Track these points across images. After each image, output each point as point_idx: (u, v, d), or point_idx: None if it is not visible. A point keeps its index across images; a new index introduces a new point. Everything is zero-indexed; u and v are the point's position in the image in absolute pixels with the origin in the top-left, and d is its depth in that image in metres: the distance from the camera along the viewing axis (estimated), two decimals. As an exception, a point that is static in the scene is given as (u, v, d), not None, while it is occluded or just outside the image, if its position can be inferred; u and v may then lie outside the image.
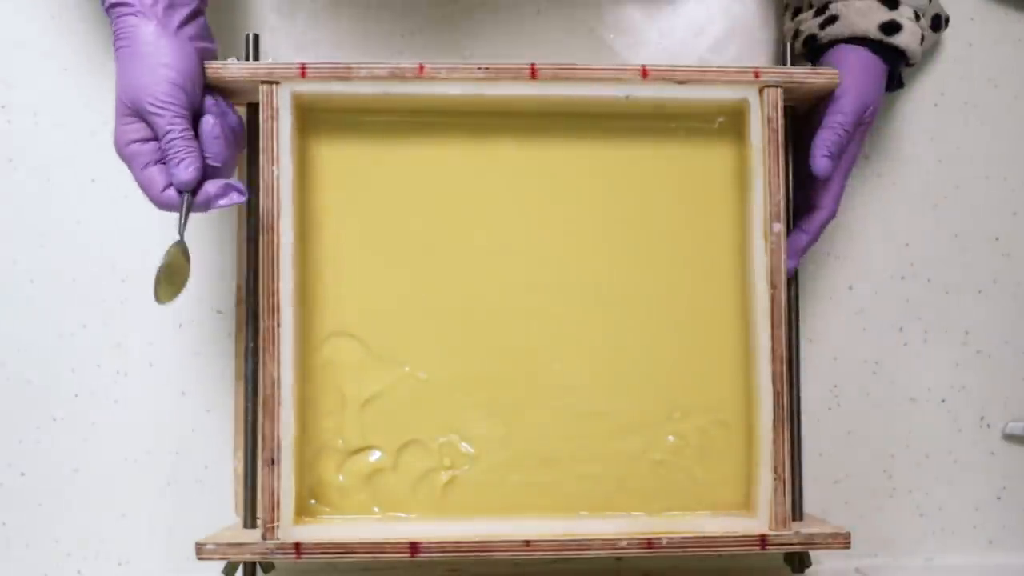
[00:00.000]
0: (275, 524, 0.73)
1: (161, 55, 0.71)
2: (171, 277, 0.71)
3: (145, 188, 0.72)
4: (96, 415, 0.89)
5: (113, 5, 0.71)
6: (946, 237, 0.92)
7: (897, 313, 0.92)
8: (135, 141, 0.72)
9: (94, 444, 0.89)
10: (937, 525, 0.91)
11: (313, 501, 0.76)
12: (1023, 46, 0.93)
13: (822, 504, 0.90)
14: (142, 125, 0.71)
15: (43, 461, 0.88)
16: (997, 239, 0.93)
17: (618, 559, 0.90)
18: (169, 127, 0.71)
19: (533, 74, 0.75)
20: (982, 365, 0.92)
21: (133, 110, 0.71)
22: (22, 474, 0.88)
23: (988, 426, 0.92)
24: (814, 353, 0.91)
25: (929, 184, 0.92)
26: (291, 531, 0.74)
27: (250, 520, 0.77)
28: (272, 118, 0.74)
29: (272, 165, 0.74)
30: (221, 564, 0.76)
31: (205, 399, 0.88)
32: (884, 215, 0.92)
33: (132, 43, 0.71)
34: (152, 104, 0.70)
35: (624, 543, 0.74)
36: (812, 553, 0.91)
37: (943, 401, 0.92)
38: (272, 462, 0.73)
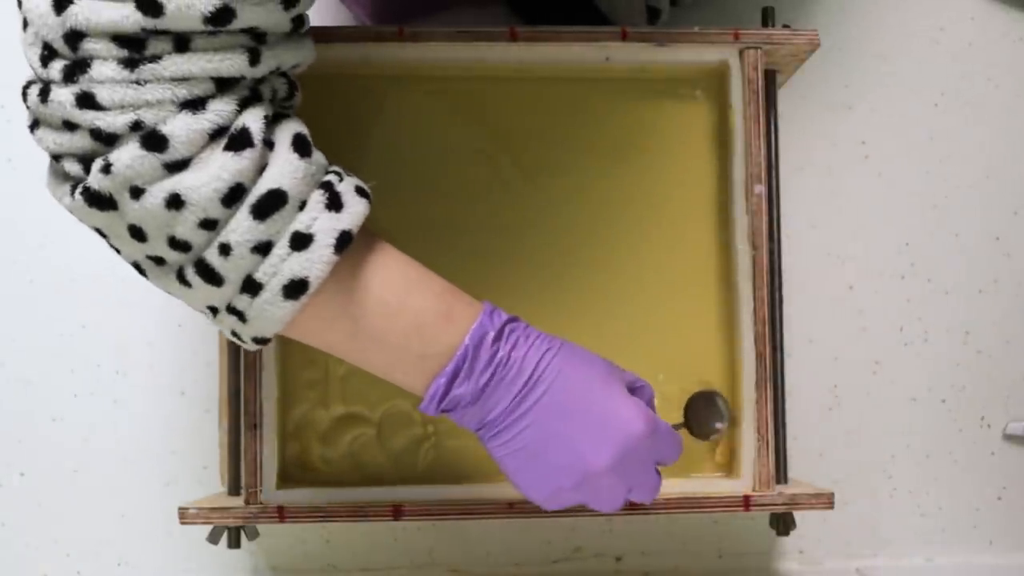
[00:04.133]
0: (258, 488, 0.73)
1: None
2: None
3: (652, 486, 0.64)
4: (96, 415, 0.89)
5: (508, 325, 0.60)
6: (946, 237, 0.92)
7: (897, 313, 0.92)
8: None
9: (94, 444, 0.89)
10: (937, 525, 0.91)
11: (297, 469, 0.77)
12: (1023, 46, 0.93)
13: (822, 504, 0.90)
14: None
15: (43, 461, 0.88)
16: (997, 239, 0.93)
17: (618, 559, 0.90)
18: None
19: (513, 36, 0.75)
20: (982, 365, 0.92)
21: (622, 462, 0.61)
22: (22, 474, 0.88)
23: (988, 426, 0.92)
24: (814, 353, 0.91)
25: (929, 184, 0.92)
26: (274, 495, 0.74)
27: (234, 489, 0.77)
28: None
29: None
30: (218, 562, 0.76)
31: (205, 399, 0.88)
32: (884, 215, 0.92)
33: (578, 359, 0.61)
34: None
35: None
36: (812, 554, 0.91)
37: (943, 401, 0.92)
38: (254, 426, 0.73)
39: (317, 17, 0.89)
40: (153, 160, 0.52)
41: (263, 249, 0.55)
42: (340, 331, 0.59)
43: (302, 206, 0.56)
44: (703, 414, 0.73)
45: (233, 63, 0.53)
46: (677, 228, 0.79)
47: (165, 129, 0.52)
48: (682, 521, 0.90)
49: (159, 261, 0.56)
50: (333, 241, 0.56)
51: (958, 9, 0.93)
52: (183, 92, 0.52)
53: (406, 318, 0.58)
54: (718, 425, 0.72)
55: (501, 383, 0.59)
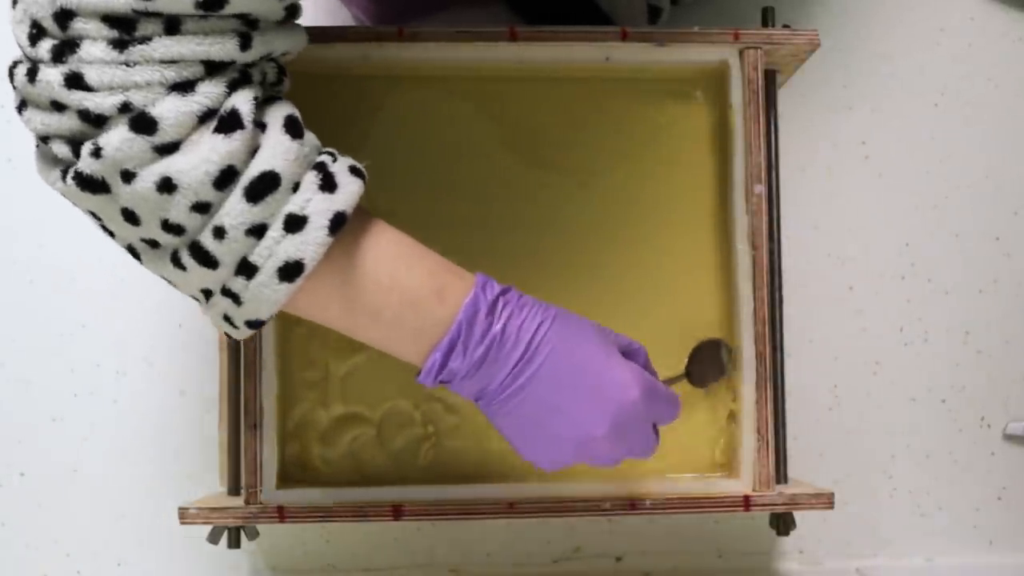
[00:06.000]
0: (258, 488, 0.73)
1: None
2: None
3: (649, 447, 0.65)
4: (96, 415, 0.89)
5: (497, 303, 0.60)
6: (946, 237, 0.92)
7: (897, 313, 0.92)
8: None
9: (94, 444, 0.89)
10: (937, 525, 0.91)
11: (297, 469, 0.77)
12: (1023, 46, 0.93)
13: (822, 504, 0.90)
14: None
15: (43, 461, 0.88)
16: (997, 239, 0.93)
17: (618, 559, 0.90)
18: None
19: (513, 36, 0.75)
20: (982, 365, 0.92)
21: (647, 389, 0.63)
22: (22, 474, 0.89)
23: (988, 426, 0.92)
24: (814, 353, 0.91)
25: (929, 184, 0.92)
26: (274, 495, 0.74)
27: (234, 489, 0.77)
28: None
29: None
30: (218, 562, 0.76)
31: (205, 399, 0.88)
32: (884, 215, 0.92)
33: (573, 327, 0.62)
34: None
35: (608, 504, 0.74)
36: (812, 554, 0.91)
37: (943, 401, 0.92)
38: (254, 426, 0.74)
39: (317, 17, 0.89)
40: (143, 143, 0.52)
41: (257, 232, 0.55)
42: (335, 309, 0.59)
43: (295, 188, 0.55)
44: (705, 364, 0.76)
45: (223, 47, 0.53)
46: (677, 228, 0.79)
47: (154, 111, 0.52)
48: (682, 521, 0.90)
49: (153, 244, 0.56)
50: (327, 222, 0.55)
51: (958, 9, 0.93)
52: (172, 74, 0.52)
53: (399, 295, 0.59)
54: (718, 376, 0.76)
55: (498, 356, 0.59)
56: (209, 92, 0.53)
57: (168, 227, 0.54)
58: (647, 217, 0.79)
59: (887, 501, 0.91)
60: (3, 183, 0.89)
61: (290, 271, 0.55)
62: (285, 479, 0.76)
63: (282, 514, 0.73)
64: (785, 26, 0.78)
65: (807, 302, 0.91)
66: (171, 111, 0.52)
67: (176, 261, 0.56)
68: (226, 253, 0.55)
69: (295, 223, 0.55)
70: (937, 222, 0.92)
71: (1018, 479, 0.92)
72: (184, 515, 0.73)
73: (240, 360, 0.75)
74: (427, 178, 0.78)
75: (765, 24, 0.79)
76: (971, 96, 0.93)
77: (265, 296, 0.56)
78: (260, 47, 0.55)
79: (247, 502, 0.73)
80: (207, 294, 0.58)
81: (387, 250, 0.59)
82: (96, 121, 0.52)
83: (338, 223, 0.56)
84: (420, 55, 0.75)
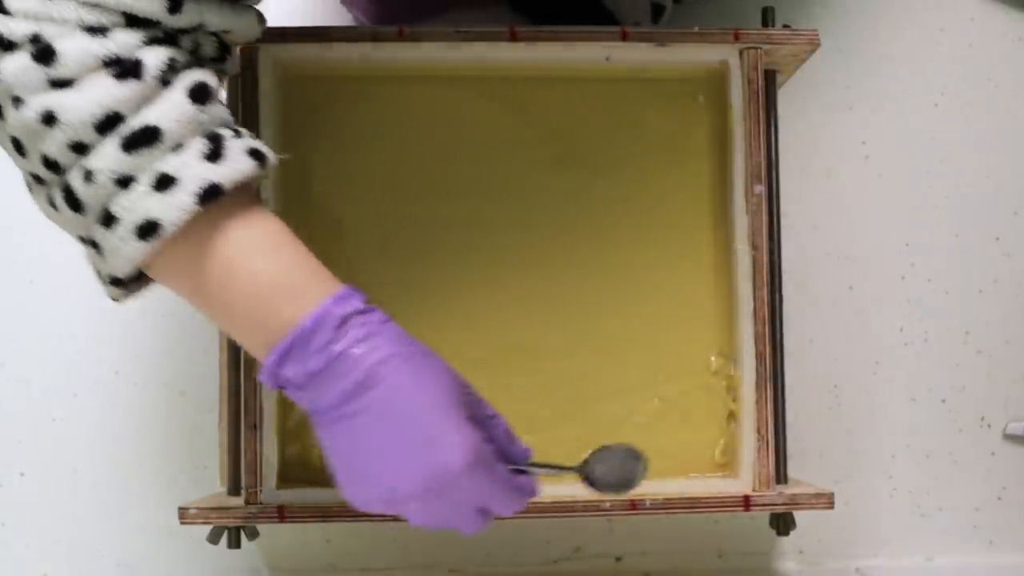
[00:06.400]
0: (258, 488, 0.73)
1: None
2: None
3: (469, 527, 0.60)
4: (96, 415, 0.89)
5: (355, 313, 0.56)
6: (946, 237, 0.92)
7: (897, 313, 0.92)
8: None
9: (94, 444, 0.89)
10: (937, 525, 0.91)
11: (297, 469, 0.76)
12: (1023, 46, 0.93)
13: (822, 504, 0.90)
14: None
15: (43, 461, 0.88)
16: (997, 239, 0.93)
17: (618, 559, 0.90)
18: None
19: (513, 36, 0.75)
20: (982, 365, 0.92)
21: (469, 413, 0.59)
22: (22, 474, 0.88)
23: (988, 426, 0.92)
24: (814, 353, 0.91)
25: (929, 184, 0.92)
26: (274, 495, 0.74)
27: (234, 489, 0.77)
28: (253, 84, 0.73)
29: (252, 130, 0.73)
30: (218, 562, 0.76)
31: (205, 399, 0.88)
32: (884, 215, 0.92)
33: (424, 372, 0.57)
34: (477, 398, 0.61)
35: (608, 504, 0.73)
36: (812, 554, 0.91)
37: (943, 401, 0.92)
38: (254, 426, 0.74)
39: (316, 17, 0.89)
40: (39, 73, 0.52)
41: (124, 182, 0.54)
42: (188, 284, 0.57)
43: (177, 148, 0.54)
44: (609, 467, 0.65)
45: (149, 5, 0.53)
46: (677, 228, 0.79)
47: (58, 45, 0.52)
48: (682, 521, 0.90)
49: (38, 180, 0.56)
50: (198, 190, 0.53)
51: (958, 9, 0.93)
52: (90, 18, 0.52)
53: (250, 286, 0.56)
54: (621, 488, 0.65)
55: (331, 376, 0.55)
56: (121, 41, 0.52)
57: (47, 163, 0.54)
58: (647, 217, 0.78)
59: (887, 501, 0.91)
60: (3, 183, 0.89)
61: (147, 230, 0.54)
62: (285, 479, 0.75)
63: (282, 514, 0.73)
64: (785, 26, 0.78)
65: (807, 302, 0.91)
66: (75, 49, 0.52)
67: (51, 201, 0.56)
68: (92, 198, 0.54)
69: (164, 182, 0.53)
70: (937, 222, 0.92)
71: (1018, 479, 0.92)
72: (184, 515, 0.73)
73: (240, 360, 0.75)
74: (426, 178, 0.78)
75: (765, 24, 0.79)
76: (971, 96, 0.93)
77: (121, 251, 0.55)
78: (192, 15, 0.54)
79: (247, 502, 0.73)
80: (82, 242, 0.57)
81: (255, 238, 0.56)
82: (6, 45, 0.52)
83: (210, 194, 0.54)
84: (420, 55, 0.76)
